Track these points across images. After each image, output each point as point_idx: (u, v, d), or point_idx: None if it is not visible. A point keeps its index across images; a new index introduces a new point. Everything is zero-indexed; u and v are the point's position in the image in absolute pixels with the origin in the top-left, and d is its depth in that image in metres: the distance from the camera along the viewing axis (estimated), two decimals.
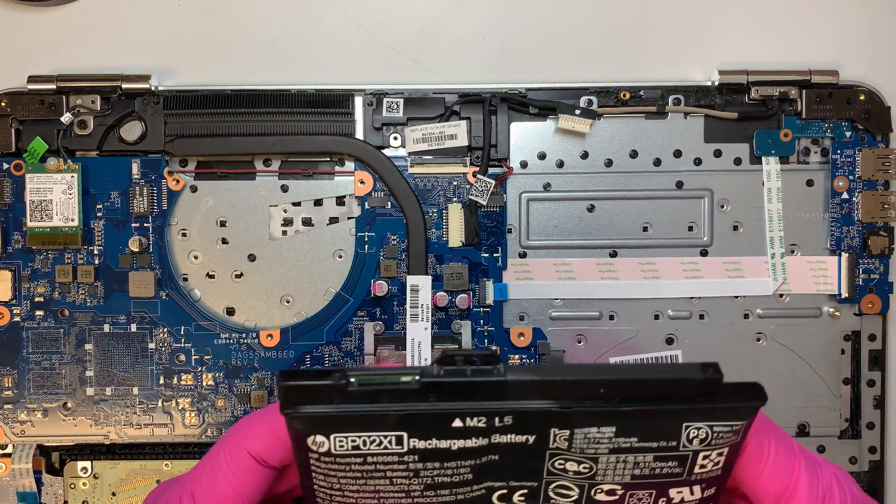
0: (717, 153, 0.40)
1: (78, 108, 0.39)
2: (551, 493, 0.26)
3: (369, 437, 0.24)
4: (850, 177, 0.40)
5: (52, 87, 0.39)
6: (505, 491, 0.26)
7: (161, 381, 0.40)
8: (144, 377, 0.40)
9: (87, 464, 0.40)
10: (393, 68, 0.41)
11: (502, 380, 0.23)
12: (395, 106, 0.40)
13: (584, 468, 0.25)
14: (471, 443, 0.24)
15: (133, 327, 0.40)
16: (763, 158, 0.40)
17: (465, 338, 0.39)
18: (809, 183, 0.40)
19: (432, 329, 0.39)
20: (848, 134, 0.40)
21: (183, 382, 0.40)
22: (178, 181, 0.40)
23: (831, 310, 0.40)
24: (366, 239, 0.40)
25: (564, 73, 0.41)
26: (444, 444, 0.24)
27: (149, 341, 0.40)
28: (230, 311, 0.40)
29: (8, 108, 0.39)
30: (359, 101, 0.40)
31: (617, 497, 0.26)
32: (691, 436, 0.24)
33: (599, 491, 0.25)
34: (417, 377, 0.23)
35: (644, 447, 0.24)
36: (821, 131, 0.40)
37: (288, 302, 0.40)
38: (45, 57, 0.40)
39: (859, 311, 0.40)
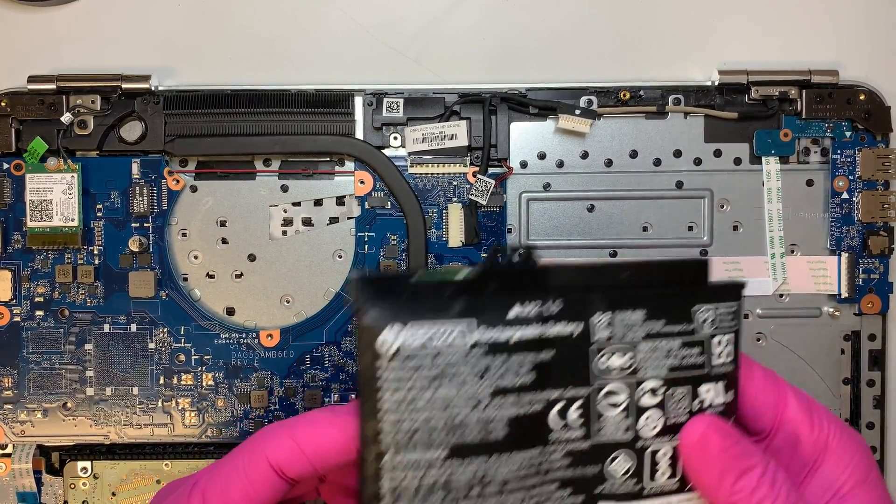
0: (717, 153, 0.40)
1: (78, 108, 0.39)
2: (603, 406, 0.27)
3: (437, 329, 0.25)
4: (850, 177, 0.40)
5: (52, 86, 0.39)
6: (563, 404, 0.27)
7: (161, 381, 0.40)
8: (144, 377, 0.40)
9: (87, 464, 0.40)
10: (393, 68, 0.41)
11: (546, 267, 0.26)
12: (395, 106, 0.40)
13: (627, 361, 0.27)
14: (528, 333, 0.25)
15: (133, 327, 0.40)
16: (763, 158, 0.40)
17: None
18: (809, 183, 0.40)
19: None
20: (848, 134, 0.40)
21: (183, 382, 0.40)
22: (178, 181, 0.40)
23: (831, 310, 0.40)
24: (366, 239, 0.40)
25: (564, 73, 0.41)
26: (503, 335, 0.25)
27: (149, 341, 0.40)
28: (230, 311, 0.40)
29: (8, 107, 0.39)
30: (359, 101, 0.40)
31: (659, 399, 0.27)
32: (701, 318, 0.27)
33: (643, 392, 0.27)
34: (473, 273, 0.25)
35: (670, 331, 0.27)
36: (821, 131, 0.40)
37: (288, 302, 0.40)
38: (45, 57, 0.40)
39: (859, 311, 0.40)
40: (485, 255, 0.27)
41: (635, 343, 0.27)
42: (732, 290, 0.28)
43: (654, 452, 0.27)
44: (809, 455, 0.28)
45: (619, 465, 0.27)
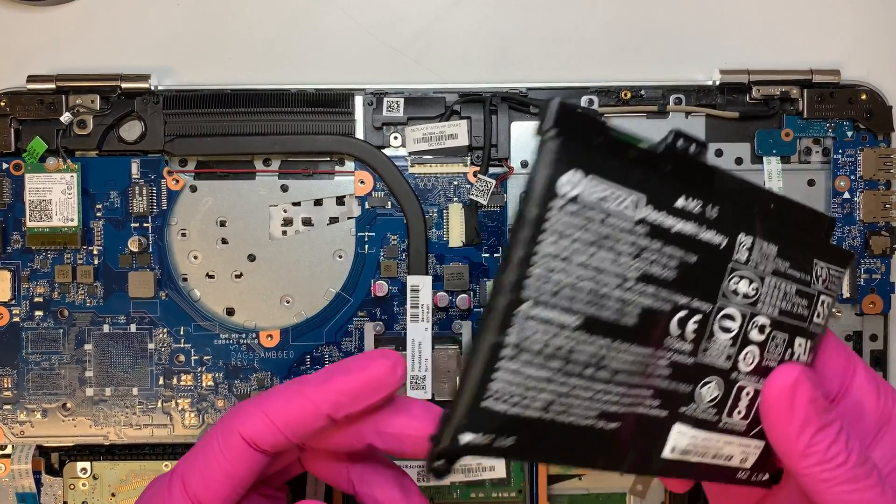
0: (719, 153, 0.40)
1: (77, 108, 0.39)
2: (717, 327, 0.27)
3: (615, 190, 0.24)
4: (852, 176, 0.40)
5: (52, 86, 0.39)
6: (685, 313, 0.26)
7: (161, 382, 0.40)
8: (144, 378, 0.40)
9: (87, 464, 0.40)
10: (393, 68, 0.41)
11: (716, 168, 0.26)
12: (396, 105, 0.40)
13: (753, 289, 0.27)
14: (687, 228, 0.25)
15: (133, 328, 0.40)
16: (764, 158, 0.40)
17: (466, 338, 0.39)
18: (811, 183, 0.40)
19: (433, 329, 0.39)
20: (849, 133, 0.40)
21: (182, 383, 0.40)
22: (177, 181, 0.40)
23: (833, 310, 0.40)
24: (366, 239, 0.40)
25: (565, 72, 0.41)
26: (667, 221, 0.25)
27: (148, 342, 0.40)
28: (230, 312, 0.40)
29: (7, 107, 0.39)
30: (359, 101, 0.40)
31: (764, 337, 0.28)
32: (818, 273, 0.28)
33: (754, 326, 0.27)
34: (661, 146, 0.25)
35: (792, 276, 0.27)
36: (822, 131, 0.40)
37: (288, 302, 0.40)
38: (45, 56, 0.40)
39: (861, 311, 0.40)
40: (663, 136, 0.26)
41: (764, 275, 0.27)
42: (845, 257, 0.28)
43: (741, 389, 0.28)
44: (874, 423, 0.29)
45: (710, 391, 0.27)
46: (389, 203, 0.40)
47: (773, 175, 0.40)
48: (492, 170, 0.40)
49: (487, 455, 0.24)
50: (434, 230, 0.40)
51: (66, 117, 0.39)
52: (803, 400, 0.26)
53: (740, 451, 0.28)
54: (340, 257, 0.40)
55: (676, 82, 0.40)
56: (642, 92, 0.40)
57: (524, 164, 0.40)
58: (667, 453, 0.27)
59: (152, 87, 0.39)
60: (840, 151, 0.40)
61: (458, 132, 0.39)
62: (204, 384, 0.40)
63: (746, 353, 0.27)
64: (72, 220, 0.39)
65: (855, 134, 0.40)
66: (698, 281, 0.26)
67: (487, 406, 0.23)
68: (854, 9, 0.41)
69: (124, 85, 0.39)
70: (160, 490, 0.28)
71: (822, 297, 0.28)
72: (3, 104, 0.39)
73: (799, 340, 0.28)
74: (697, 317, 0.26)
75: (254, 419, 0.27)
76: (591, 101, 0.40)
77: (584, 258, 0.23)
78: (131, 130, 0.40)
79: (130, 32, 0.41)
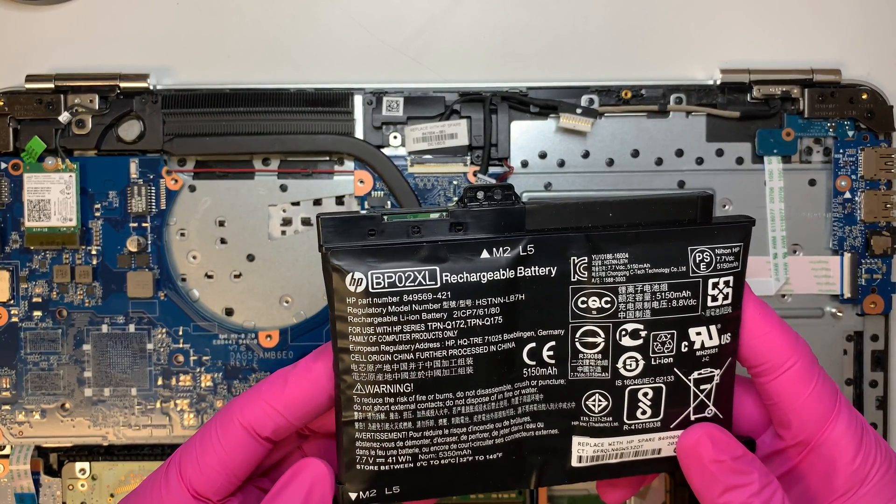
0: (720, 152, 0.40)
1: (76, 108, 0.39)
2: (579, 346, 0.27)
3: (404, 272, 0.25)
4: (853, 176, 0.40)
5: (50, 86, 0.39)
6: (534, 344, 0.27)
7: (159, 382, 0.40)
8: (143, 378, 0.40)
9: (86, 465, 0.40)
10: (393, 67, 0.41)
11: (522, 207, 0.26)
12: (395, 105, 0.39)
13: (607, 302, 0.27)
14: (499, 275, 0.26)
15: (131, 328, 0.40)
16: (765, 158, 0.40)
17: None
18: (812, 182, 0.40)
19: None
20: (850, 133, 0.40)
21: (181, 383, 0.40)
22: (176, 181, 0.40)
23: (833, 310, 0.40)
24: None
25: (565, 71, 0.41)
26: (474, 277, 0.26)
27: (147, 342, 0.40)
28: (229, 312, 0.40)
29: (6, 107, 0.39)
30: (358, 100, 0.39)
31: (641, 340, 0.27)
32: (697, 259, 0.27)
33: (624, 333, 0.27)
34: (445, 213, 0.26)
35: (657, 273, 0.27)
36: (823, 131, 0.40)
37: (287, 302, 0.40)
38: (43, 56, 0.40)
39: (862, 311, 0.40)
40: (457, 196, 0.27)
41: (616, 285, 0.27)
42: (738, 230, 0.27)
43: (635, 392, 0.28)
44: (843, 483, 0.27)
45: (596, 402, 0.28)
46: (389, 203, 0.40)
47: (773, 175, 0.40)
48: (492, 169, 0.40)
49: (384, 503, 0.27)
50: None
51: (64, 117, 0.39)
52: (706, 460, 0.27)
53: (668, 444, 0.28)
54: None
55: (677, 81, 0.40)
56: (643, 91, 0.40)
57: (524, 164, 0.40)
58: (574, 463, 0.28)
59: (151, 87, 0.39)
60: (841, 151, 0.40)
61: (457, 132, 0.39)
62: (203, 384, 0.40)
63: (627, 360, 0.27)
64: (70, 220, 0.39)
65: (856, 133, 0.40)
66: (536, 313, 0.27)
67: (361, 468, 0.27)
68: (855, 8, 0.41)
69: (123, 84, 0.39)
70: (157, 479, 0.28)
71: (713, 281, 0.27)
72: (1, 104, 0.39)
73: (695, 329, 0.27)
74: (551, 343, 0.27)
75: (252, 406, 0.27)
76: (591, 101, 0.39)
77: (394, 337, 0.26)
78: (130, 130, 0.39)
79: (129, 32, 0.41)
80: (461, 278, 0.26)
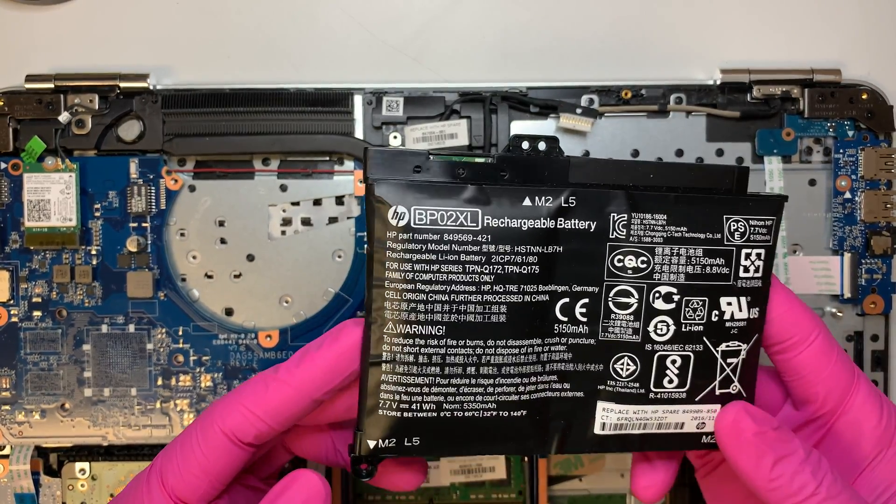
0: (720, 152, 0.40)
1: (76, 108, 0.39)
2: (612, 305, 0.27)
3: (447, 210, 0.25)
4: (853, 176, 0.40)
5: (50, 86, 0.39)
6: (567, 300, 0.27)
7: (159, 382, 0.40)
8: (142, 378, 0.40)
9: (86, 465, 0.40)
10: (393, 67, 0.41)
11: (567, 159, 0.26)
12: (395, 105, 0.39)
13: (643, 262, 0.27)
14: (539, 224, 0.26)
15: (131, 328, 0.40)
16: (765, 158, 0.40)
17: None
18: (812, 182, 0.40)
19: None
20: (850, 133, 0.40)
21: (181, 383, 0.40)
22: (176, 181, 0.40)
23: (834, 310, 0.40)
24: (366, 239, 0.40)
25: (565, 71, 0.41)
26: (514, 223, 0.26)
27: (147, 342, 0.40)
28: (229, 312, 0.40)
29: (6, 107, 0.39)
30: (358, 100, 0.39)
31: (674, 304, 0.27)
32: (732, 228, 0.27)
33: (657, 296, 0.27)
34: (491, 159, 0.26)
35: (693, 238, 0.27)
36: (823, 130, 0.40)
37: (287, 302, 0.40)
38: (43, 56, 0.40)
39: (862, 311, 0.40)
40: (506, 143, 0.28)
41: (653, 246, 0.27)
42: (771, 204, 0.28)
43: (664, 358, 0.28)
44: (874, 446, 0.28)
45: (624, 366, 0.28)
46: None
47: (773, 175, 0.40)
48: None
49: (402, 455, 0.26)
50: None
51: (64, 117, 0.39)
52: (748, 435, 0.26)
53: (692, 418, 0.28)
54: (340, 257, 0.40)
55: (677, 81, 0.40)
56: (643, 91, 0.40)
57: None
58: (597, 430, 0.28)
59: (151, 87, 0.39)
60: (841, 151, 0.40)
61: (457, 131, 0.39)
62: (203, 384, 0.40)
63: (658, 324, 0.27)
64: (70, 220, 0.39)
65: (856, 133, 0.40)
66: (573, 268, 0.27)
67: (383, 415, 0.26)
68: (855, 8, 0.41)
69: (123, 84, 0.39)
70: (139, 484, 0.28)
71: (746, 251, 0.27)
72: (1, 103, 0.39)
73: (727, 300, 0.28)
74: (584, 300, 0.27)
75: (234, 413, 0.27)
76: (591, 101, 0.39)
77: (430, 276, 0.26)
78: (130, 130, 0.39)
79: (129, 32, 0.41)
80: (502, 223, 0.26)
